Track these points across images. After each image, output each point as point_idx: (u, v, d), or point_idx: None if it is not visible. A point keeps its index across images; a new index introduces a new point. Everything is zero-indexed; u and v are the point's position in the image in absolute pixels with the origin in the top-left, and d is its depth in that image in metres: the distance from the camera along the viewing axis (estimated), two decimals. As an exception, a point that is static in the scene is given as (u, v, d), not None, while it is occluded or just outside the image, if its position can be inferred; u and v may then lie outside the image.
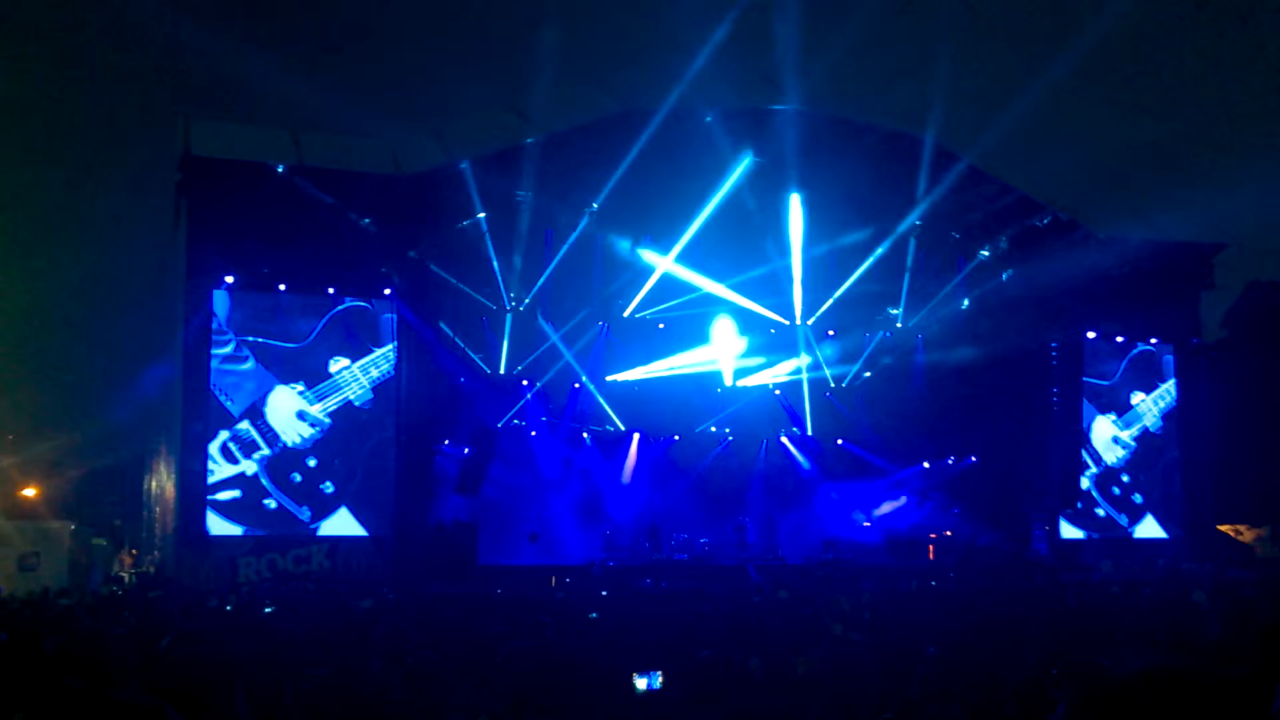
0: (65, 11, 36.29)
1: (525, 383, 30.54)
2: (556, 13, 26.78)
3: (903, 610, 10.24)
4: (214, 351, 26.23)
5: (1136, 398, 33.56)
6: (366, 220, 26.80)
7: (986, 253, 31.83)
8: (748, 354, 32.32)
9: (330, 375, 27.17)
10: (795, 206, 29.87)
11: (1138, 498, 33.22)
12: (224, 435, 26.18)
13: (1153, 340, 33.63)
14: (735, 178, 28.91)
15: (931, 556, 29.82)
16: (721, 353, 31.96)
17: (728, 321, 31.69)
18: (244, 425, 26.35)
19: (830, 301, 31.81)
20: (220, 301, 26.44)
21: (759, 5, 25.72)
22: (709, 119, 28.04)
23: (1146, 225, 32.62)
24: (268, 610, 11.20)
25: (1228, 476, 35.24)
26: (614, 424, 31.98)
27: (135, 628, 10.20)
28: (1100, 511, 32.74)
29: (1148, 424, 33.58)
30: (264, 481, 26.40)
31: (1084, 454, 32.35)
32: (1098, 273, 31.15)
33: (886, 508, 32.10)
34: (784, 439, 33.69)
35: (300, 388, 26.88)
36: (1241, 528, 38.86)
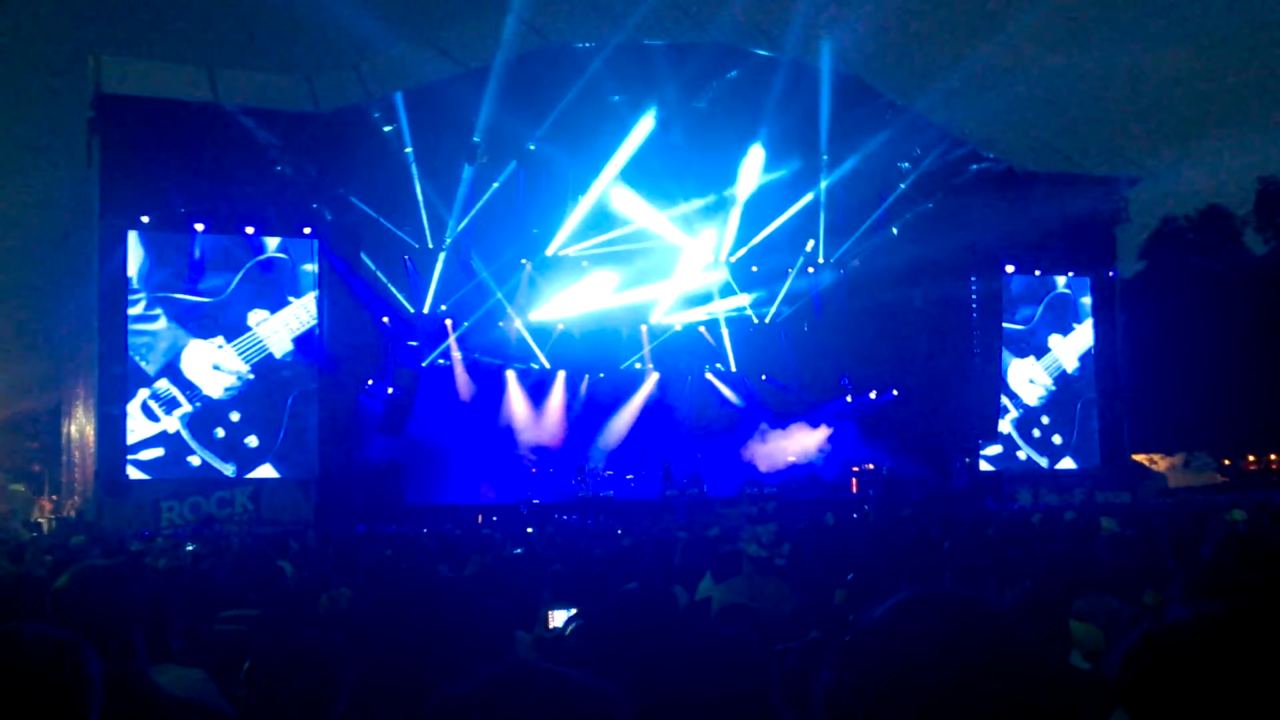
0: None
1: (449, 322, 30.41)
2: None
3: (823, 541, 10.35)
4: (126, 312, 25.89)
5: (1054, 340, 33.98)
6: (285, 158, 26.46)
7: (905, 188, 31.93)
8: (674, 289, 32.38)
9: (249, 328, 26.88)
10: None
11: (1057, 439, 33.73)
12: (143, 394, 25.87)
13: (1070, 274, 34.01)
14: (645, 127, 28.86)
15: (855, 490, 30.13)
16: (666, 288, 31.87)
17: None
18: (162, 384, 26.05)
19: (756, 239, 31.89)
20: (135, 255, 26.03)
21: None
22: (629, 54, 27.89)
23: (1063, 160, 32.98)
24: (189, 549, 11.16)
25: (1142, 407, 35.92)
26: (539, 362, 31.96)
27: (55, 571, 10.09)
28: (1021, 454, 33.24)
29: (1065, 366, 34.03)
30: (187, 438, 26.17)
31: (1003, 395, 32.76)
32: (1016, 208, 31.45)
33: (802, 442, 32.34)
34: (709, 375, 33.86)
35: (219, 341, 26.58)
36: (1156, 457, 39.67)
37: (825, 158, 30.66)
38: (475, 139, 28.02)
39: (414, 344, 30.08)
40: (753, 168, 30.44)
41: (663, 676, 2.57)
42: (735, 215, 31.30)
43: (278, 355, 27.08)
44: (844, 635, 1.93)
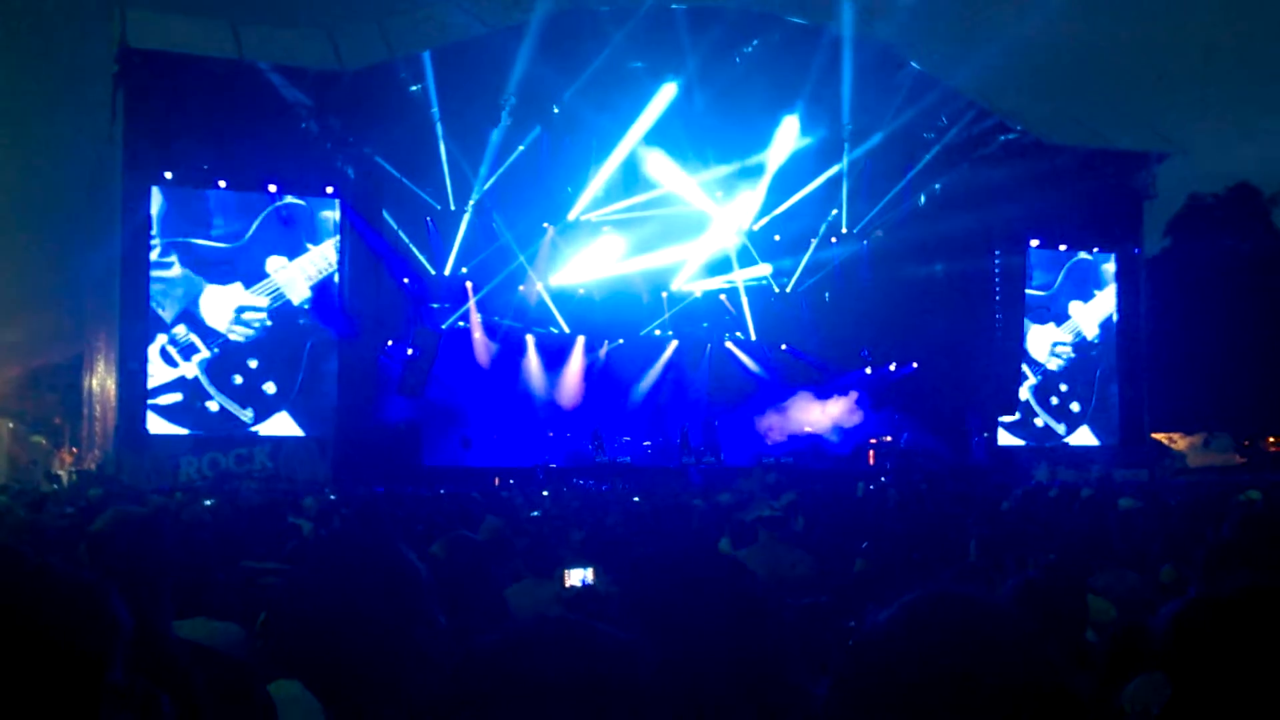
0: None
1: (469, 284, 30.41)
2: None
3: (839, 511, 10.36)
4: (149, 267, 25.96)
5: (1074, 306, 33.80)
6: (308, 116, 26.43)
7: (930, 159, 31.72)
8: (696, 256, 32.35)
9: (267, 274, 26.92)
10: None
11: (1075, 406, 33.61)
12: (161, 339, 25.96)
13: (1094, 249, 33.81)
14: (669, 93, 28.77)
15: (871, 461, 30.13)
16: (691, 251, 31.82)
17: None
18: (179, 330, 26.12)
19: (780, 209, 31.79)
20: (154, 202, 26.08)
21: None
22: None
23: (1091, 134, 32.75)
24: (207, 504, 11.21)
25: (1163, 385, 35.77)
26: (558, 327, 31.97)
27: (75, 521, 10.16)
28: (1039, 421, 33.15)
29: (1085, 333, 33.86)
30: (205, 384, 26.25)
31: (1023, 364, 32.62)
32: (1042, 181, 31.25)
33: (821, 413, 32.32)
34: (728, 343, 33.84)
35: (238, 287, 26.64)
36: (1175, 436, 39.55)
37: (850, 127, 30.49)
38: (502, 100, 27.95)
39: (437, 306, 30.12)
40: (785, 137, 30.30)
41: (693, 630, 2.57)
42: (761, 184, 31.15)
43: (295, 302, 27.12)
44: (854, 603, 1.94)
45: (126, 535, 3.66)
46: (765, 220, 32.13)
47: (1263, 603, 1.91)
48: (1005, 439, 32.20)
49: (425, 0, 28.52)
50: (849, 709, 1.80)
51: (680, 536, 8.40)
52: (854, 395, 32.37)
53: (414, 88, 27.43)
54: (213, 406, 26.31)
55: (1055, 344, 33.47)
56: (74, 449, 35.56)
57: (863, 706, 1.78)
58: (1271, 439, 43.18)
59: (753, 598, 2.70)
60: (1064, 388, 33.50)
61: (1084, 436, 33.60)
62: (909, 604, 1.85)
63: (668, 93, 28.67)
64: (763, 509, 8.46)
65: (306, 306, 27.12)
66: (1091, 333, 33.91)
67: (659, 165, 30.12)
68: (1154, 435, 35.96)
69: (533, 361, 31.43)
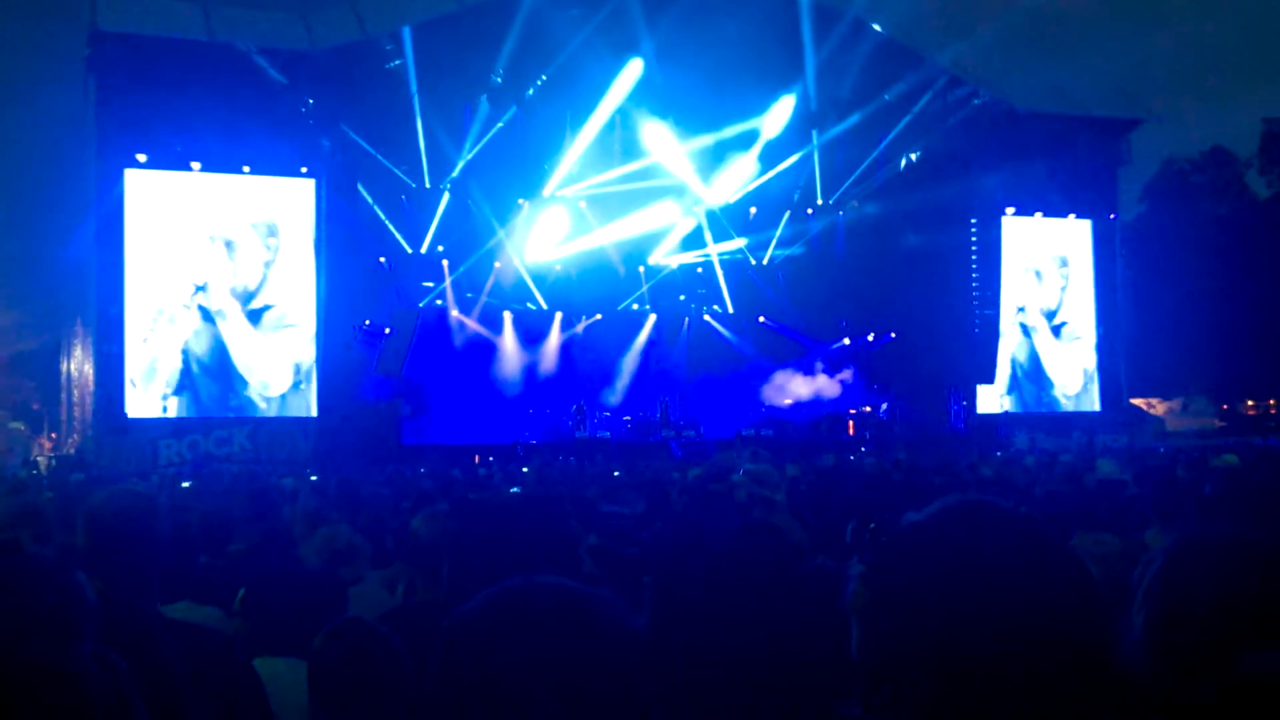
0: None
1: (445, 262, 30.36)
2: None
3: (819, 483, 10.37)
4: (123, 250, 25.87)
5: (1049, 273, 33.82)
6: (282, 97, 26.30)
7: (903, 129, 31.68)
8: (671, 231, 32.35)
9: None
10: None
11: (1056, 379, 33.65)
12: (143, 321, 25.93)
13: (1070, 216, 33.84)
14: (637, 68, 28.72)
15: (851, 432, 30.20)
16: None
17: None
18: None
19: (753, 182, 31.76)
20: (132, 192, 25.97)
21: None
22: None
23: (1065, 101, 32.78)
24: (185, 485, 11.18)
25: (1140, 351, 35.92)
26: (536, 303, 31.94)
27: (58, 506, 10.10)
28: (1017, 396, 33.19)
29: (1061, 300, 33.89)
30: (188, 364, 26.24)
31: (1001, 335, 32.61)
32: (1017, 149, 31.31)
33: (799, 386, 32.38)
34: (706, 316, 33.85)
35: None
36: (1154, 401, 39.75)
37: (822, 98, 30.46)
38: (480, 78, 27.92)
39: (427, 284, 30.12)
40: (774, 112, 30.30)
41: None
42: (739, 157, 31.12)
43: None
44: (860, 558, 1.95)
45: (123, 513, 3.67)
46: (741, 193, 32.10)
47: (1249, 550, 1.94)
48: (984, 407, 32.26)
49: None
50: (882, 601, 1.82)
51: (662, 512, 8.40)
52: (831, 367, 32.43)
53: (392, 64, 27.31)
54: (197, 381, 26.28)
55: (1030, 319, 33.48)
56: (53, 434, 35.43)
57: (896, 598, 1.79)
58: (1250, 402, 43.45)
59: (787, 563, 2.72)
60: (1043, 361, 33.57)
61: (1063, 403, 33.70)
62: (949, 506, 1.87)
63: (636, 68, 28.59)
64: (738, 491, 8.45)
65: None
66: (1070, 306, 33.93)
67: (650, 134, 30.01)
68: (1133, 401, 36.13)
69: (510, 338, 31.40)
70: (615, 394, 32.01)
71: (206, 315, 26.34)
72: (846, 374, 32.16)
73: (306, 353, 27.09)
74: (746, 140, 31.10)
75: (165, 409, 25.76)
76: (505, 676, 1.74)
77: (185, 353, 26.14)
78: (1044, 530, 1.83)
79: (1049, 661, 1.71)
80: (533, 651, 1.75)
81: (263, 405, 26.75)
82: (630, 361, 32.76)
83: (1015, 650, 1.71)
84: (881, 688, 1.83)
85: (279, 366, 26.91)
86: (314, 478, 15.16)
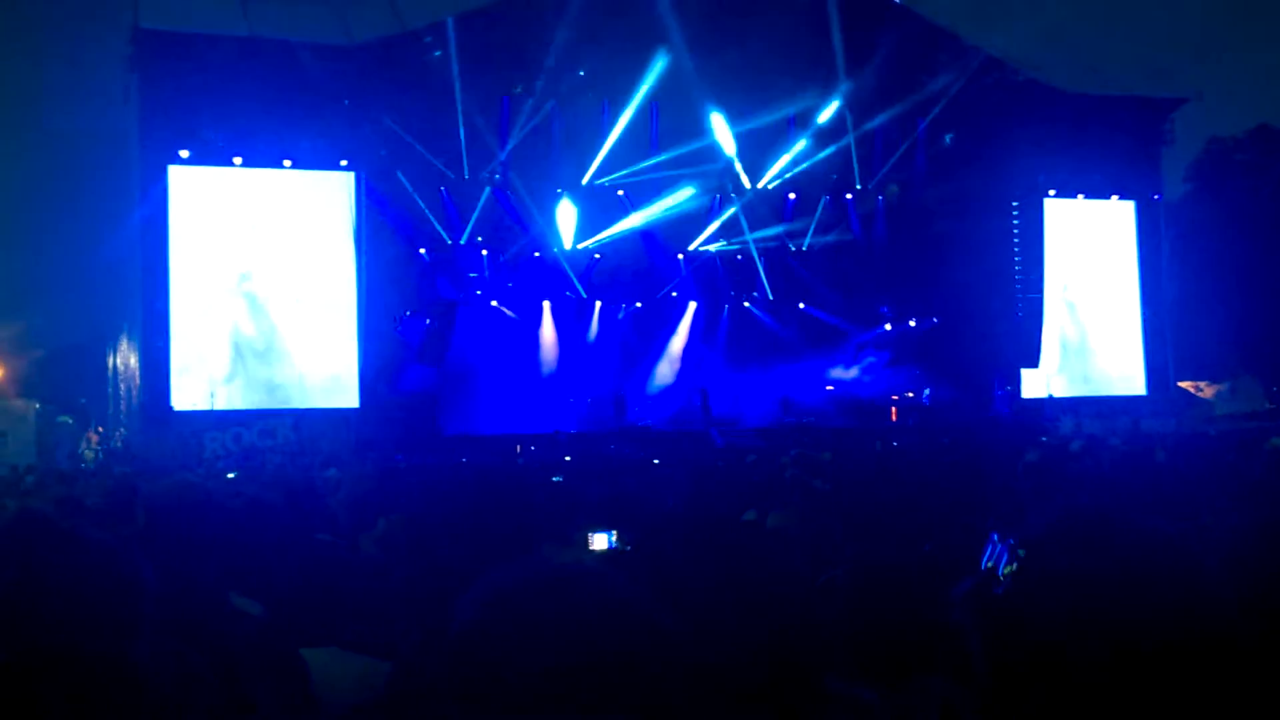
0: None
1: (485, 253, 30.42)
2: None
3: (863, 470, 10.32)
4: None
5: (1098, 261, 33.53)
6: (322, 90, 26.41)
7: (943, 111, 31.45)
8: (710, 218, 32.30)
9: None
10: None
11: (1101, 363, 33.38)
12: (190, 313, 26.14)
13: (1114, 197, 33.55)
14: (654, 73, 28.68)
15: (894, 418, 30.08)
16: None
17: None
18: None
19: (791, 168, 31.67)
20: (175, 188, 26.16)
21: None
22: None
23: (1106, 81, 32.49)
24: (230, 476, 11.24)
25: (1187, 333, 35.55)
26: (576, 292, 31.94)
27: (105, 500, 10.19)
28: (1064, 379, 32.92)
29: (1109, 289, 33.59)
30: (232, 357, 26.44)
31: (1046, 318, 32.34)
32: (1057, 131, 31.07)
33: (847, 372, 32.30)
34: (746, 304, 33.75)
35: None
36: (1202, 384, 39.32)
37: (856, 81, 30.27)
38: (518, 69, 27.98)
39: (470, 275, 30.19)
40: (782, 91, 30.18)
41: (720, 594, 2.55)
42: (777, 144, 31.07)
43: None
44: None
45: (181, 502, 3.69)
46: (779, 180, 32.00)
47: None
48: (1029, 391, 32.03)
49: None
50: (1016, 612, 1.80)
51: (703, 499, 8.37)
52: (873, 353, 32.31)
53: (431, 56, 27.34)
54: (240, 386, 26.44)
55: (1076, 301, 33.21)
56: (100, 428, 35.72)
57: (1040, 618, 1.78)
58: (1298, 384, 42.92)
59: (781, 572, 2.68)
60: (1089, 344, 33.30)
61: (1109, 387, 33.41)
62: (1070, 517, 1.85)
63: (672, 57, 28.50)
64: (789, 470, 8.41)
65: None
66: (1116, 288, 33.64)
67: (688, 122, 29.96)
68: (1180, 384, 35.78)
69: (549, 327, 31.42)
70: (656, 382, 31.98)
71: (253, 309, 26.50)
72: (865, 359, 32.08)
73: (348, 344, 27.19)
74: (784, 127, 31.03)
75: (212, 401, 25.92)
76: (521, 660, 1.73)
77: (231, 345, 26.32)
78: (1176, 544, 1.81)
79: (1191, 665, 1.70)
80: (547, 636, 1.74)
81: (308, 396, 26.88)
82: (670, 349, 32.71)
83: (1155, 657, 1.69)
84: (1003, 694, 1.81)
85: (323, 358, 27.03)
86: (331, 472, 15.26)
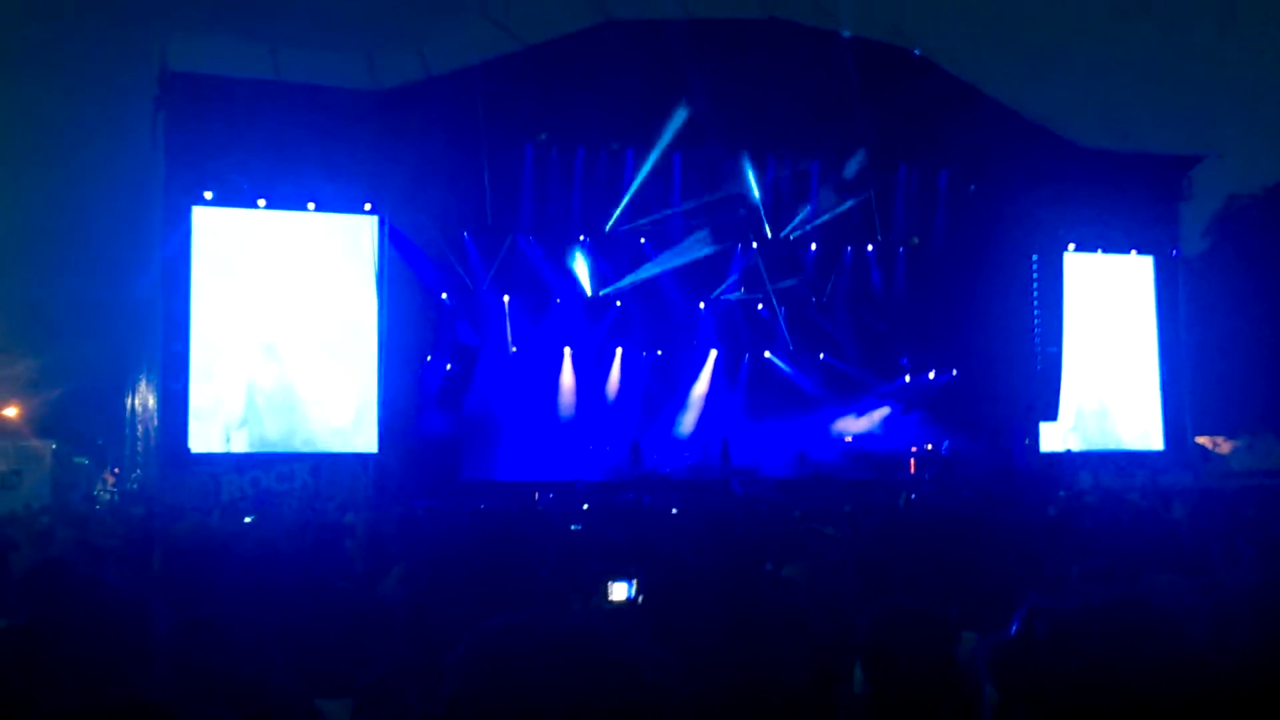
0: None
1: (507, 298, 30.51)
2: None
3: (883, 522, 10.29)
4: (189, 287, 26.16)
5: (1116, 316, 33.49)
6: (346, 135, 26.60)
7: (964, 164, 31.53)
8: (732, 267, 32.38)
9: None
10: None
11: (1119, 418, 33.27)
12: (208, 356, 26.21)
13: (1132, 252, 33.54)
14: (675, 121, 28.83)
15: (913, 470, 29.99)
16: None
17: None
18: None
19: (812, 219, 31.74)
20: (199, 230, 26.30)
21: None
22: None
23: (1126, 136, 32.61)
24: (247, 520, 11.25)
25: (1206, 388, 35.45)
26: (597, 339, 31.97)
27: (121, 541, 10.20)
28: (1081, 434, 32.80)
29: (1127, 344, 33.52)
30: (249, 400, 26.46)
31: (1064, 372, 32.25)
32: (1077, 185, 31.16)
33: (860, 423, 32.26)
34: (767, 354, 33.74)
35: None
36: (1219, 439, 39.16)
37: (877, 135, 30.38)
38: (539, 117, 28.17)
39: (491, 321, 30.29)
40: (803, 144, 30.32)
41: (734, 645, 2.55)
42: (798, 195, 31.20)
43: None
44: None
45: (198, 546, 3.71)
46: (800, 230, 32.07)
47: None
48: (1048, 445, 31.92)
49: (462, 19, 28.75)
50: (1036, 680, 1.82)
51: (720, 550, 8.35)
52: (892, 404, 32.28)
53: (455, 103, 27.50)
54: (257, 427, 26.48)
55: (1095, 355, 33.13)
56: (116, 469, 35.84)
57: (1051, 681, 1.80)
58: (1317, 441, 42.68)
59: (793, 622, 2.68)
60: (1107, 399, 33.20)
61: (1128, 442, 33.28)
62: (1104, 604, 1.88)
63: (694, 106, 28.66)
64: (804, 523, 8.41)
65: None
66: (1134, 343, 33.58)
67: (710, 171, 30.13)
68: (1197, 439, 35.64)
69: (570, 374, 31.45)
70: (676, 431, 31.97)
71: (272, 351, 26.58)
72: (885, 410, 32.07)
73: (369, 388, 27.24)
74: (807, 178, 31.16)
75: (230, 443, 25.96)
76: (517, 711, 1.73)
77: (250, 387, 26.38)
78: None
79: None
80: (546, 689, 1.74)
81: (326, 440, 26.91)
82: (691, 398, 32.69)
83: None
84: None
85: (342, 402, 27.07)
86: (349, 517, 15.26)
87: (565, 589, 6.83)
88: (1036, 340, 31.94)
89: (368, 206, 27.36)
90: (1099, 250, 33.24)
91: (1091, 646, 1.81)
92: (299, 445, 26.71)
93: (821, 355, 33.65)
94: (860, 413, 32.34)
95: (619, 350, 32.09)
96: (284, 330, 26.73)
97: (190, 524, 3.66)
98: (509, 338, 30.70)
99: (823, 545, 8.07)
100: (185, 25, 28.17)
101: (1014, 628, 1.92)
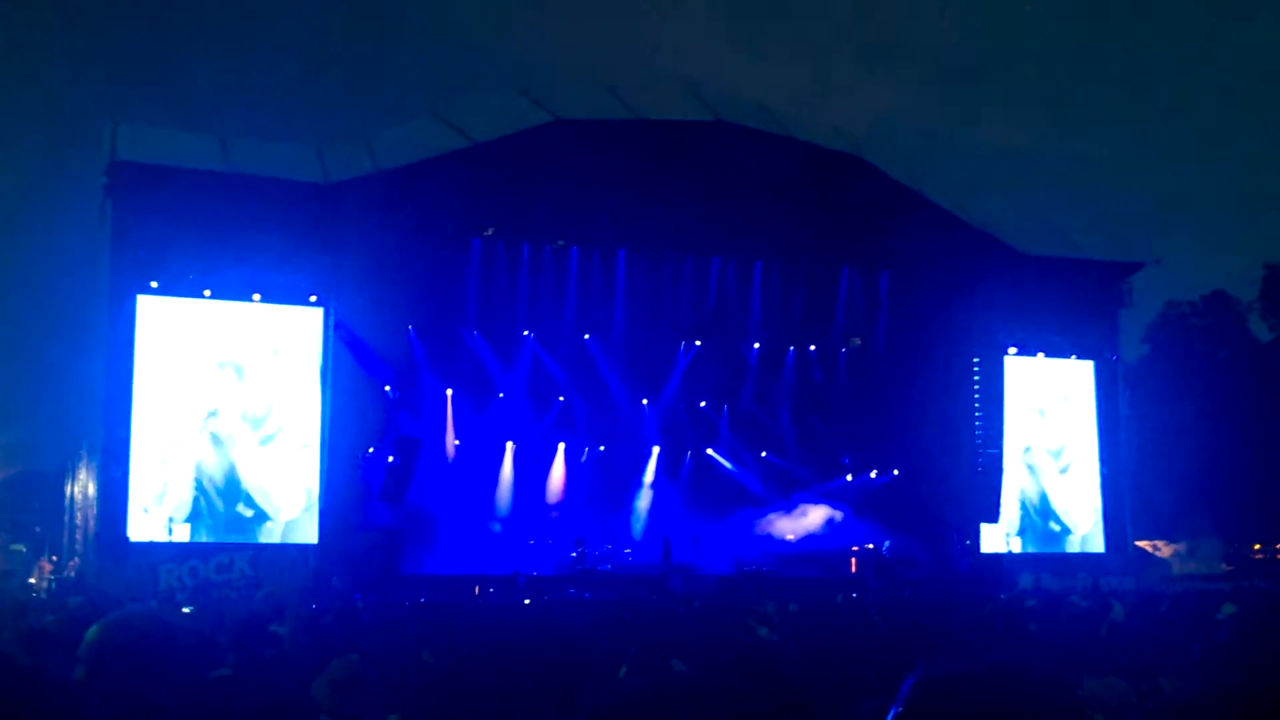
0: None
1: (450, 391, 30.47)
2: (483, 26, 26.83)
3: (821, 621, 10.32)
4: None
5: (1053, 413, 33.79)
6: (294, 227, 26.63)
7: (906, 267, 31.93)
8: (676, 366, 32.53)
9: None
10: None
11: (1060, 521, 33.44)
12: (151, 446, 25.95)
13: (1072, 356, 33.95)
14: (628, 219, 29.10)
15: (854, 569, 29.98)
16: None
17: None
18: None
19: (753, 316, 32.00)
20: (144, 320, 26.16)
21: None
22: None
23: (1065, 244, 33.19)
24: (185, 611, 11.12)
25: (1146, 493, 35.80)
26: (539, 434, 31.95)
27: (57, 631, 10.03)
28: (1022, 537, 32.92)
29: (1066, 448, 33.79)
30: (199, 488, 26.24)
31: (1005, 475, 32.40)
32: (1019, 289, 31.62)
33: (801, 522, 32.28)
34: (709, 451, 33.79)
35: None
36: (1159, 543, 39.51)
37: (821, 235, 30.79)
38: (486, 215, 28.35)
39: (430, 414, 30.20)
40: (750, 243, 30.66)
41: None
42: (741, 294, 31.50)
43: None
44: None
45: (131, 636, 3.66)
46: (744, 330, 32.30)
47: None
48: (989, 546, 32.04)
49: (412, 115, 28.95)
50: None
51: (666, 647, 8.34)
52: (833, 504, 32.34)
53: (402, 197, 27.59)
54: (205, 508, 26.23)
55: (1034, 460, 33.39)
56: (54, 557, 35.26)
57: None
58: (1257, 545, 43.12)
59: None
60: (1048, 502, 33.41)
61: (1070, 544, 33.46)
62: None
63: (638, 204, 28.96)
64: (760, 628, 8.42)
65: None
66: (1073, 447, 33.86)
67: (654, 271, 30.41)
68: (1138, 543, 35.91)
69: (511, 468, 31.39)
70: (618, 526, 31.87)
71: (216, 440, 26.37)
72: (837, 514, 32.10)
73: (310, 480, 27.05)
74: (749, 276, 31.47)
75: (171, 533, 25.64)
76: None
77: (197, 478, 26.13)
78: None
79: None
80: None
81: (271, 531, 26.63)
82: (633, 494, 32.66)
83: None
84: None
85: (288, 492, 26.85)
86: (313, 606, 15.08)
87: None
88: (978, 442, 32.16)
89: (313, 298, 27.35)
90: (1040, 354, 33.62)
91: (971, 712, 1.87)
92: (240, 535, 26.41)
93: (764, 454, 33.73)
94: (803, 512, 32.35)
95: (561, 445, 32.07)
96: (227, 420, 26.53)
97: (124, 614, 3.60)
98: (450, 431, 30.62)
99: (757, 646, 8.07)
100: (135, 114, 28.13)
101: (901, 696, 1.98)
